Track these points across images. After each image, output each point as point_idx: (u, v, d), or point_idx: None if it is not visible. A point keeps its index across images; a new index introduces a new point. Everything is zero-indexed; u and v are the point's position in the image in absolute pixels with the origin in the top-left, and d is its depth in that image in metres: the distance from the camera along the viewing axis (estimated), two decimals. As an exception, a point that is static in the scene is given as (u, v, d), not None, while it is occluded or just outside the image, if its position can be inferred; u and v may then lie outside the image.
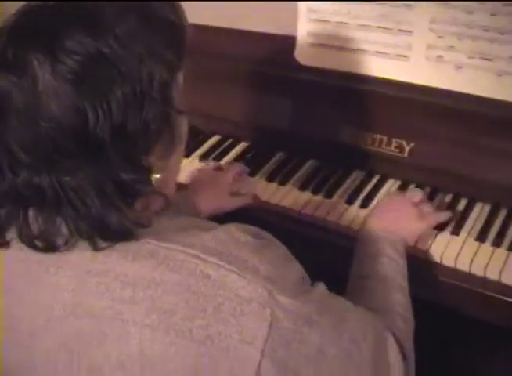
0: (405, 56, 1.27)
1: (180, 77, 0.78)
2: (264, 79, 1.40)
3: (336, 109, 1.34)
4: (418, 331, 0.97)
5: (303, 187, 1.32)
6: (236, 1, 1.43)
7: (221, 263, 0.70)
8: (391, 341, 0.87)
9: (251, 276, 0.70)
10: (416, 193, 1.21)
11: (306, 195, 1.31)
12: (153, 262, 0.70)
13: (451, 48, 1.22)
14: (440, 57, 1.24)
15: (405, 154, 1.28)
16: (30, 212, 0.72)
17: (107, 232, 0.70)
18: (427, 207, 1.18)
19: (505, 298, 1.08)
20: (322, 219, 1.24)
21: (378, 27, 1.28)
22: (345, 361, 0.77)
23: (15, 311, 0.74)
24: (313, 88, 1.35)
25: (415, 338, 0.96)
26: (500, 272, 1.09)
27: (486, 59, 1.19)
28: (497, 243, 1.14)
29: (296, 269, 0.78)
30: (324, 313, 0.76)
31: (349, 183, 1.34)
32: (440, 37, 1.22)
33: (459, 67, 1.22)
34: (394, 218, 1.13)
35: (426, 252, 1.15)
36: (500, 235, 1.16)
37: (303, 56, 1.37)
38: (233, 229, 0.75)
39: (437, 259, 1.14)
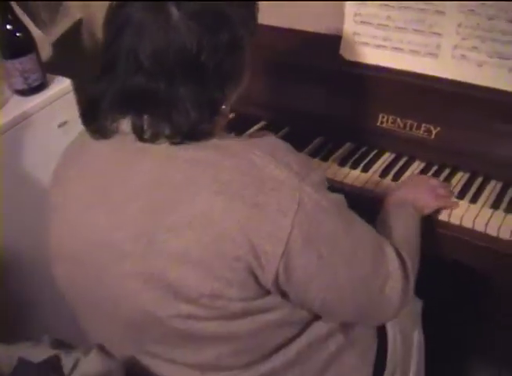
0: (434, 54, 1.50)
1: (253, 41, 1.04)
2: (313, 72, 1.63)
3: (374, 98, 1.57)
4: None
5: (342, 163, 1.57)
6: (290, 0, 1.67)
7: (264, 155, 0.96)
8: (392, 255, 1.09)
9: (285, 168, 0.95)
10: (434, 179, 1.44)
11: (345, 170, 1.55)
12: (216, 151, 0.96)
13: (474, 48, 1.45)
14: (464, 56, 1.47)
15: (432, 136, 1.51)
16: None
17: (194, 133, 0.95)
18: (442, 190, 1.40)
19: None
20: (359, 188, 1.48)
21: (413, 29, 1.51)
22: (350, 253, 1.02)
23: (111, 188, 0.99)
24: (356, 80, 1.59)
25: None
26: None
27: (503, 58, 1.42)
28: (509, 210, 1.37)
29: (319, 174, 1.02)
30: (337, 212, 1.01)
31: (382, 161, 1.56)
32: (464, 39, 1.45)
33: (480, 65, 1.45)
34: (414, 191, 1.35)
35: (449, 216, 1.38)
36: (510, 204, 1.38)
37: (347, 52, 1.61)
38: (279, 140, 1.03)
39: (457, 221, 1.37)
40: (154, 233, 0.94)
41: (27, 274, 1.80)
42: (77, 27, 2.15)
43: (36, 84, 1.73)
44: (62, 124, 1.80)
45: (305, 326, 1.08)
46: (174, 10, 0.92)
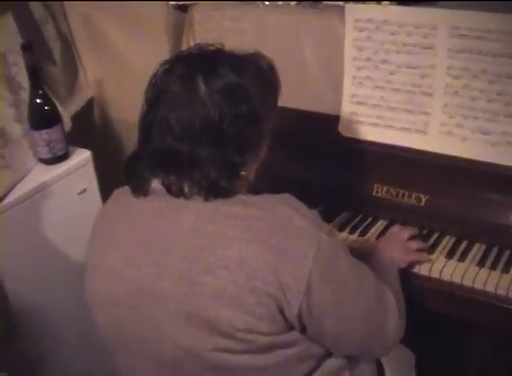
0: (423, 131, 1.70)
1: (272, 116, 1.22)
2: (315, 148, 1.82)
3: (370, 170, 1.75)
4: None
5: (341, 229, 1.73)
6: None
7: (288, 209, 1.13)
8: (389, 292, 1.27)
9: (305, 219, 1.13)
10: (405, 232, 1.59)
11: (344, 235, 1.71)
12: (245, 206, 1.12)
13: (459, 125, 1.64)
14: (449, 132, 1.66)
15: (422, 204, 1.68)
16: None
17: (217, 190, 1.12)
18: (414, 245, 1.56)
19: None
20: (357, 248, 1.63)
21: (404, 109, 1.71)
22: (357, 290, 1.19)
23: (151, 239, 1.13)
24: (353, 154, 1.77)
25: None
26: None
27: (484, 133, 1.61)
28: (493, 268, 1.53)
29: (327, 226, 1.21)
30: (347, 255, 1.19)
31: (377, 227, 1.73)
32: (451, 117, 1.65)
33: (464, 140, 1.64)
34: (390, 249, 1.51)
35: (440, 273, 1.53)
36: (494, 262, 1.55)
37: (345, 129, 1.80)
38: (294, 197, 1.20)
39: (448, 278, 1.53)
40: (194, 276, 1.08)
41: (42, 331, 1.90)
42: (89, 103, 2.33)
43: (60, 153, 1.89)
44: (81, 192, 1.95)
45: (320, 361, 1.22)
46: (202, 85, 1.11)
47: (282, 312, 1.09)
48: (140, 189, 1.17)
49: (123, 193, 1.24)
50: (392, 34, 1.68)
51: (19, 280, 1.80)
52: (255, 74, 1.18)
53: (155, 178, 1.15)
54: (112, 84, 2.31)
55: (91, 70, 2.29)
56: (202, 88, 1.11)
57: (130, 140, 2.30)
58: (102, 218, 1.26)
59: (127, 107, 2.28)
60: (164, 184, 1.13)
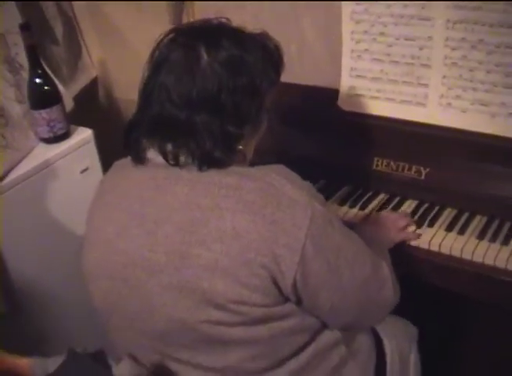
0: (423, 103, 1.68)
1: (274, 91, 1.21)
2: (315, 122, 1.81)
3: (370, 144, 1.74)
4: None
5: (342, 203, 1.72)
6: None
7: (281, 179, 1.12)
8: (383, 263, 1.28)
9: (298, 189, 1.12)
10: (394, 215, 1.60)
11: (344, 209, 1.70)
12: (239, 176, 1.12)
13: (458, 97, 1.62)
14: (449, 104, 1.64)
15: (423, 177, 1.67)
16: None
17: (211, 160, 1.12)
18: (403, 222, 1.56)
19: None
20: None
21: (403, 81, 1.70)
22: (352, 259, 1.18)
23: (145, 211, 1.14)
24: (353, 128, 1.76)
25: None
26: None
27: (483, 105, 1.59)
28: (493, 240, 1.52)
29: (320, 196, 1.21)
30: (340, 225, 1.19)
31: (378, 201, 1.72)
32: (450, 89, 1.63)
33: (463, 111, 1.63)
34: (379, 229, 1.52)
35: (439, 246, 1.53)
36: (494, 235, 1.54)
37: (345, 103, 1.79)
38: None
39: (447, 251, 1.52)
40: (187, 248, 1.09)
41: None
42: (93, 83, 2.34)
43: (61, 132, 1.90)
44: (83, 171, 1.96)
45: (314, 334, 1.22)
46: (204, 54, 1.11)
47: (276, 283, 1.09)
48: (137, 157, 1.18)
49: (122, 166, 1.25)
50: (389, 6, 1.66)
51: (21, 258, 1.82)
52: (259, 51, 1.18)
53: (152, 146, 1.16)
54: (115, 64, 2.31)
55: (94, 50, 2.30)
56: (204, 57, 1.12)
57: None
58: (100, 191, 1.27)
59: (130, 87, 2.29)
60: (160, 151, 1.14)
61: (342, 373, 1.27)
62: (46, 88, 1.83)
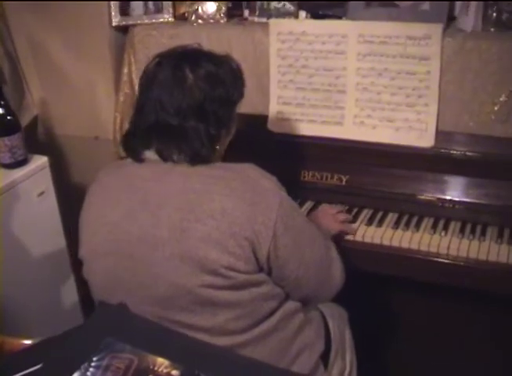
0: (340, 123, 2.03)
1: (238, 105, 1.53)
2: (249, 142, 2.09)
3: (297, 159, 2.05)
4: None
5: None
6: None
7: (255, 172, 1.43)
8: (333, 247, 1.61)
9: (270, 180, 1.43)
10: (332, 208, 1.94)
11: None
12: (223, 169, 1.41)
13: (369, 116, 1.99)
14: (362, 122, 2.00)
15: (343, 183, 2.00)
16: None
17: (200, 157, 1.40)
18: (342, 216, 1.89)
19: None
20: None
21: (323, 105, 2.04)
22: (311, 240, 1.51)
23: (148, 197, 1.39)
24: (280, 146, 2.07)
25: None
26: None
27: (390, 121, 1.96)
28: (405, 229, 1.87)
29: (283, 188, 1.49)
30: (300, 212, 1.56)
31: (305, 207, 2.03)
32: (362, 109, 1.99)
33: (374, 127, 1.99)
34: (321, 220, 1.82)
35: (363, 236, 1.85)
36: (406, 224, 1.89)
37: (274, 126, 2.11)
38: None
39: (369, 240, 1.85)
40: (186, 224, 1.34)
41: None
42: (33, 121, 2.53)
43: (21, 158, 2.09)
44: (40, 194, 2.16)
45: (281, 302, 1.49)
46: (189, 73, 1.41)
47: (255, 253, 1.37)
48: (136, 157, 1.44)
49: (116, 166, 1.52)
50: (310, 43, 2.01)
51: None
52: (228, 67, 1.49)
53: (148, 148, 1.42)
54: (56, 102, 2.50)
55: (36, 89, 2.49)
56: (189, 76, 1.40)
57: (72, 153, 2.54)
58: (99, 186, 1.50)
59: (70, 123, 2.51)
60: (157, 151, 1.41)
61: (302, 334, 1.55)
62: (9, 117, 2.03)
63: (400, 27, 1.90)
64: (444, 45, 1.88)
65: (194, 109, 1.39)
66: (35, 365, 1.16)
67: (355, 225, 1.91)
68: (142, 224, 1.37)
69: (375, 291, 2.14)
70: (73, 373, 1.10)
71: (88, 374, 1.10)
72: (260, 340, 1.44)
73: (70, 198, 2.44)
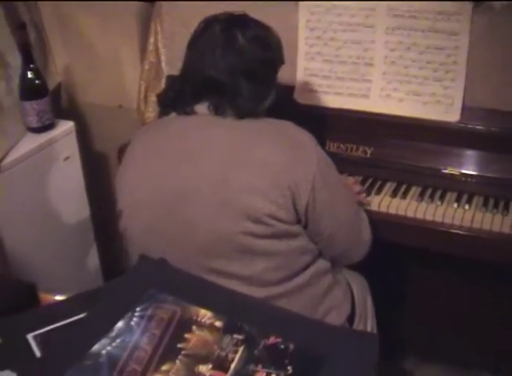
0: (366, 95, 2.05)
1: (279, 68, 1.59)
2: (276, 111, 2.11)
3: (323, 130, 2.07)
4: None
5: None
6: None
7: (295, 128, 1.50)
8: (362, 210, 1.67)
9: (308, 136, 1.50)
10: (351, 179, 1.96)
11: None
12: (266, 123, 1.49)
13: (395, 89, 2.00)
14: (388, 95, 2.01)
15: (368, 155, 2.02)
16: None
17: (248, 112, 1.48)
18: (358, 188, 1.91)
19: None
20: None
21: (350, 78, 2.06)
22: (345, 198, 1.57)
23: (192, 147, 1.45)
24: (306, 117, 2.07)
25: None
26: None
27: (417, 95, 1.98)
28: (430, 202, 1.89)
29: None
30: (336, 170, 1.55)
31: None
32: (389, 83, 2.00)
33: (400, 101, 2.00)
34: None
35: (387, 208, 1.88)
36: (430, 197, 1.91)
37: (300, 97, 2.13)
38: None
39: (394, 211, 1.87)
40: (230, 173, 1.40)
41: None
42: (57, 89, 2.55)
43: (48, 123, 2.11)
44: (66, 159, 2.18)
45: (314, 259, 1.54)
46: (239, 34, 1.46)
47: (295, 204, 1.42)
48: (184, 110, 1.50)
49: (153, 123, 1.64)
50: (339, 15, 2.03)
51: (13, 234, 2.00)
52: (273, 33, 1.57)
53: (198, 102, 1.48)
54: (81, 70, 2.52)
55: (60, 56, 2.50)
56: (239, 37, 1.47)
57: (95, 121, 2.56)
58: (138, 142, 1.56)
59: (94, 91, 2.53)
60: (208, 105, 1.47)
61: (331, 294, 1.59)
62: (37, 81, 2.05)
63: (430, 2, 1.91)
64: (473, 21, 1.89)
65: (243, 68, 1.46)
66: (77, 315, 1.19)
67: (379, 196, 1.93)
68: (186, 172, 1.43)
69: (393, 263, 2.17)
70: (117, 322, 1.13)
71: (132, 323, 1.13)
72: (294, 293, 1.49)
73: (92, 166, 2.48)
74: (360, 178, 2.01)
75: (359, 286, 1.82)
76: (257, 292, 1.42)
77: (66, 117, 2.40)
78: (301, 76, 2.12)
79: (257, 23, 1.54)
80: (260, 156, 1.40)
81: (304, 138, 1.49)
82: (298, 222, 1.46)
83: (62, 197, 2.17)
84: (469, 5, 1.87)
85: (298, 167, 1.42)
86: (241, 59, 1.46)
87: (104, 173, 2.56)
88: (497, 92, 1.91)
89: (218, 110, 1.47)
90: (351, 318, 1.67)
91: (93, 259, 2.44)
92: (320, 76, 2.10)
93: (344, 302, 1.65)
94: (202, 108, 1.49)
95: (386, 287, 2.07)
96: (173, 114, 1.54)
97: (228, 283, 1.41)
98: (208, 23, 1.52)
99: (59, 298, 1.50)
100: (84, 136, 2.49)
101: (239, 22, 1.51)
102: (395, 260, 2.12)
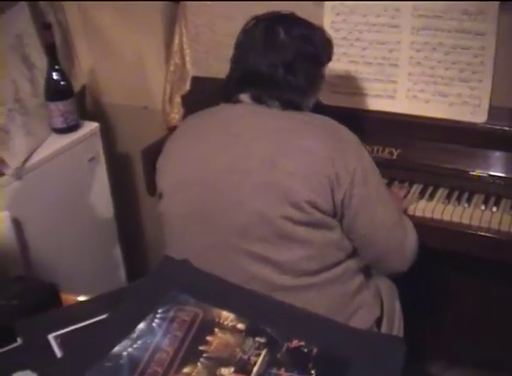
0: (392, 96, 2.02)
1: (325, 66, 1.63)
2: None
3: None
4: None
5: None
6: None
7: (337, 123, 1.52)
8: (409, 221, 1.61)
9: (351, 134, 1.53)
10: (397, 187, 1.94)
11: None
12: (311, 116, 1.53)
13: (422, 90, 1.98)
14: (415, 96, 1.99)
15: (394, 157, 2.00)
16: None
17: (292, 104, 1.52)
18: (401, 193, 1.90)
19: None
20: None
21: (375, 78, 2.04)
22: (386, 202, 1.56)
23: (241, 131, 1.49)
24: (333, 118, 2.04)
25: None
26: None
27: (443, 96, 1.95)
28: (456, 204, 1.85)
29: None
30: (378, 172, 1.55)
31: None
32: (415, 84, 1.98)
33: (426, 102, 1.98)
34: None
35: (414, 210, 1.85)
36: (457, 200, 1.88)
37: (325, 98, 2.08)
38: None
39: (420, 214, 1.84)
40: (276, 157, 1.43)
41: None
42: (82, 90, 2.56)
43: (72, 123, 2.12)
44: (91, 160, 2.19)
45: (347, 256, 1.54)
46: (281, 31, 1.50)
47: (333, 195, 1.43)
48: (230, 99, 1.56)
49: (197, 114, 1.62)
50: (364, 16, 2.01)
51: (37, 235, 2.01)
52: (320, 33, 1.60)
53: (244, 92, 1.53)
54: (105, 72, 2.53)
55: (85, 58, 2.51)
56: (282, 34, 1.51)
57: (120, 122, 2.57)
58: (182, 129, 1.63)
59: (119, 92, 2.53)
60: (253, 95, 1.52)
61: (361, 295, 1.59)
62: (62, 83, 2.06)
63: (456, 2, 1.88)
64: (500, 21, 1.86)
65: (282, 60, 1.50)
66: (99, 316, 1.18)
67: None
68: (233, 155, 1.46)
69: (421, 266, 2.13)
70: (138, 323, 1.12)
71: (154, 324, 1.12)
72: (324, 286, 1.50)
73: (117, 167, 2.49)
74: (405, 185, 1.99)
75: (388, 290, 1.79)
76: (289, 280, 1.45)
77: (91, 118, 2.42)
78: (326, 77, 2.09)
79: (304, 22, 1.58)
80: (305, 144, 1.44)
81: (347, 133, 1.53)
82: (335, 215, 1.47)
83: (86, 197, 2.18)
84: (495, 5, 1.84)
85: (340, 158, 1.44)
86: (281, 52, 1.50)
87: (128, 174, 2.56)
88: (526, 93, 1.88)
89: (259, 101, 1.52)
90: (378, 321, 1.65)
91: (117, 260, 2.44)
92: (346, 77, 2.08)
93: (375, 305, 1.64)
94: (245, 97, 1.54)
95: (413, 290, 2.05)
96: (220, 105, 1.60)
97: (262, 268, 1.45)
98: (255, 22, 1.57)
99: (81, 298, 1.51)
100: (108, 137, 2.50)
101: (284, 20, 1.56)
102: (423, 263, 2.08)
